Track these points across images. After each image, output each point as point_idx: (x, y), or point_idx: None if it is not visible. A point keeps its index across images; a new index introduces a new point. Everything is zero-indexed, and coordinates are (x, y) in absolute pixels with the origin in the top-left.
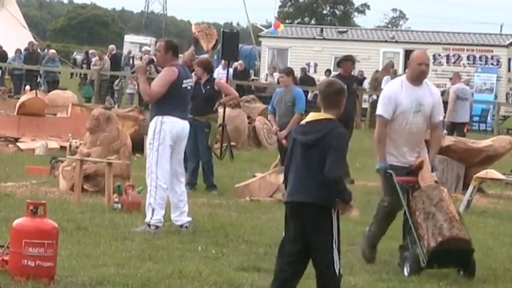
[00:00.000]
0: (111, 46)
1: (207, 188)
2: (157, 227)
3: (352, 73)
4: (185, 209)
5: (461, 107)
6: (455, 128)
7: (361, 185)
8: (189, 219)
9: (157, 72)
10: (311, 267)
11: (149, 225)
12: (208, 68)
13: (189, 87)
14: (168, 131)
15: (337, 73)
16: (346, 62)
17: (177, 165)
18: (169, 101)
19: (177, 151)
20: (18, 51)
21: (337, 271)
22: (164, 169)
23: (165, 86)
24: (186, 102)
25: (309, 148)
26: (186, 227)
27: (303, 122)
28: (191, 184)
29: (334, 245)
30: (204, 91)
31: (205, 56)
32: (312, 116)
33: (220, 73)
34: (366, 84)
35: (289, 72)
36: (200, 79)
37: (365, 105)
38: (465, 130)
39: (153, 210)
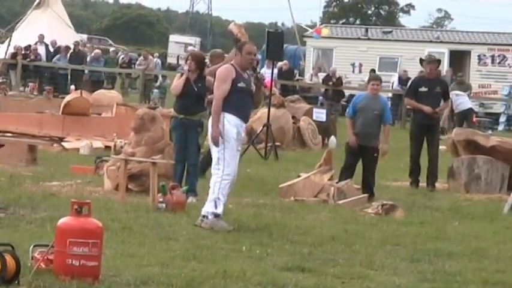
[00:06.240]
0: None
1: (187, 192)
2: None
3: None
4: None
5: None
6: None
7: (405, 185)
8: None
9: None
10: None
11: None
12: (202, 63)
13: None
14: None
15: (421, 74)
16: (429, 63)
17: None
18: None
19: None
20: (64, 50)
21: None
22: None
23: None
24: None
25: None
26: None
27: None
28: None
29: None
30: (196, 89)
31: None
32: None
33: (265, 73)
34: None
35: (381, 80)
36: (190, 73)
37: None
38: None
39: (215, 202)
